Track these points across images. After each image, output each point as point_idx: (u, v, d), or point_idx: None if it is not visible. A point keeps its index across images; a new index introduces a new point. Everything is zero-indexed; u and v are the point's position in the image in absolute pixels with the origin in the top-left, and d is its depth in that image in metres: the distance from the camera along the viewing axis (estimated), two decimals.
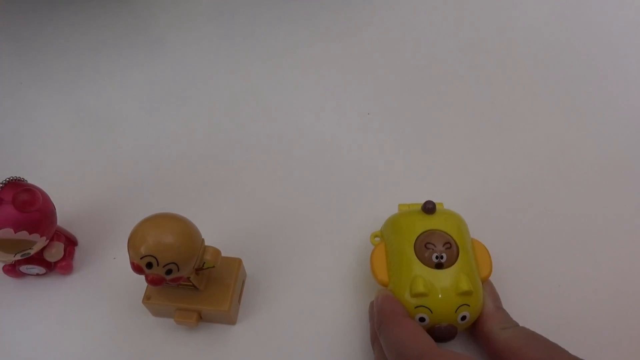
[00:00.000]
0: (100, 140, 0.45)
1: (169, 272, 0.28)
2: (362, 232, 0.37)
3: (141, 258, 0.28)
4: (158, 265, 0.28)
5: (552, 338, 0.28)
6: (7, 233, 0.31)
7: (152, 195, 0.41)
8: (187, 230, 0.29)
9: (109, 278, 0.36)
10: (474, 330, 0.31)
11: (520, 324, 0.30)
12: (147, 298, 0.33)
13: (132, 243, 0.28)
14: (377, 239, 0.34)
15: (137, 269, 0.28)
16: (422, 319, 0.29)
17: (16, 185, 0.32)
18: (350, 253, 0.37)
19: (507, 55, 0.48)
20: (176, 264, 0.28)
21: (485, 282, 0.31)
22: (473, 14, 0.53)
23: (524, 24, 0.51)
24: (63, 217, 0.35)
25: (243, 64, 0.50)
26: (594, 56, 0.49)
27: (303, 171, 0.42)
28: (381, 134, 0.44)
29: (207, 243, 0.31)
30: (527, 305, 0.33)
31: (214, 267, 0.31)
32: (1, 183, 0.32)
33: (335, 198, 0.40)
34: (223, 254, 0.34)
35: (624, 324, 0.33)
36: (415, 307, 0.29)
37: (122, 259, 0.37)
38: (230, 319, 0.33)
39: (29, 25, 0.55)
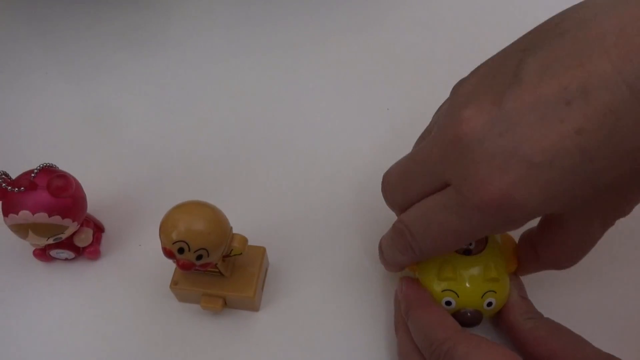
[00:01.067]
0: (123, 132, 0.46)
1: (199, 257, 0.29)
2: (386, 223, 0.38)
3: (173, 243, 0.29)
4: (189, 250, 0.29)
5: (577, 331, 0.29)
6: (42, 217, 0.32)
7: (176, 186, 0.41)
8: (216, 218, 0.30)
9: (134, 264, 0.37)
10: (498, 319, 0.32)
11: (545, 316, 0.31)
12: (174, 283, 0.34)
13: (164, 229, 0.29)
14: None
15: (169, 254, 0.29)
16: (448, 303, 0.30)
17: (50, 171, 0.33)
18: (373, 244, 0.37)
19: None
20: (206, 250, 0.29)
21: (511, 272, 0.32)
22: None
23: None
24: (90, 206, 0.36)
25: (262, 53, 0.51)
26: None
27: (327, 162, 0.42)
28: (401, 129, 0.45)
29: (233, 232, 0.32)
30: (551, 297, 0.34)
31: (241, 254, 0.31)
32: (36, 169, 0.33)
33: (360, 190, 0.41)
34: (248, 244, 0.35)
35: None
36: (442, 291, 0.30)
37: (147, 245, 0.38)
38: (254, 306, 0.34)
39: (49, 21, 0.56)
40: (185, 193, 0.32)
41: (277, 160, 0.43)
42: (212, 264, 0.31)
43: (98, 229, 0.38)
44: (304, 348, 0.34)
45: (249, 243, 0.35)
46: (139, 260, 0.38)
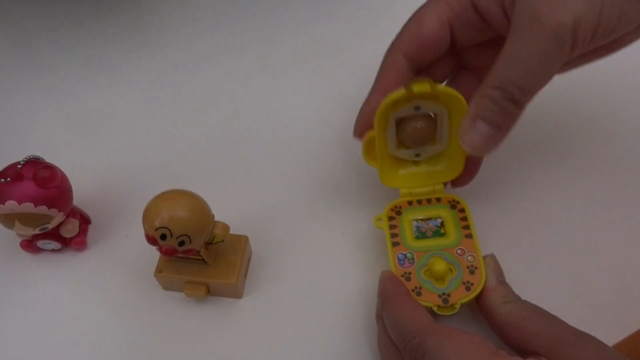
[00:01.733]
0: (109, 126, 0.46)
1: (181, 243, 0.30)
2: (366, 214, 0.39)
3: (156, 230, 0.30)
4: (172, 236, 0.30)
5: (553, 311, 0.30)
6: (28, 207, 0.33)
7: (161, 177, 0.42)
8: (198, 205, 0.31)
9: (120, 254, 0.38)
10: (478, 305, 0.33)
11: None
12: (159, 271, 0.35)
13: (147, 216, 0.30)
14: (381, 221, 0.35)
15: (151, 240, 0.30)
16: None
17: (36, 163, 0.34)
18: (355, 232, 0.39)
19: None
20: (188, 236, 0.30)
21: (489, 256, 0.33)
22: None
23: None
24: (76, 197, 0.37)
25: (246, 47, 0.52)
26: None
27: (310, 151, 0.43)
28: None
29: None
30: (527, 279, 0.35)
31: (222, 241, 0.32)
32: (22, 161, 0.34)
33: (342, 180, 0.42)
34: (231, 233, 0.36)
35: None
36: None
37: (133, 236, 0.39)
38: (236, 293, 0.35)
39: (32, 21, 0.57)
40: (170, 184, 0.33)
41: (261, 150, 0.44)
42: (194, 251, 0.32)
43: (84, 220, 0.39)
44: (287, 334, 0.35)
45: (233, 232, 0.36)
46: (125, 251, 0.38)
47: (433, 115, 0.34)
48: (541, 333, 0.28)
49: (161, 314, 0.36)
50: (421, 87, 0.31)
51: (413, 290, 0.32)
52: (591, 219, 0.38)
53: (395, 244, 0.34)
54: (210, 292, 0.35)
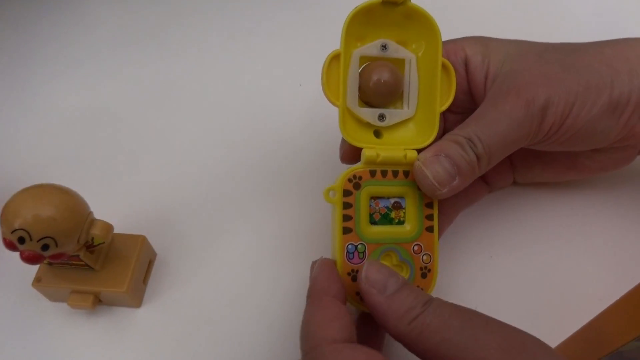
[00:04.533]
0: None
1: (45, 247, 0.25)
2: (281, 208, 0.35)
3: (12, 232, 0.25)
4: (31, 240, 0.25)
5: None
6: None
7: (42, 174, 0.37)
8: (65, 202, 0.26)
9: None
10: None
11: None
12: (37, 281, 0.30)
13: (4, 217, 0.25)
14: (333, 194, 0.27)
15: (9, 245, 0.25)
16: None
17: None
18: (266, 232, 0.34)
19: None
20: (53, 239, 0.25)
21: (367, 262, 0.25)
22: None
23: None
24: None
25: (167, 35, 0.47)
26: None
27: (219, 144, 0.39)
28: (312, 105, 0.41)
29: (116, 222, 0.28)
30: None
31: (104, 243, 0.28)
32: None
33: (253, 174, 0.37)
34: (131, 232, 0.31)
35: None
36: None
37: None
38: (132, 301, 0.31)
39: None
40: (50, 179, 0.28)
41: (164, 143, 0.39)
42: (69, 255, 0.27)
43: None
44: (189, 346, 0.30)
45: (131, 231, 0.32)
46: (1, 258, 0.33)
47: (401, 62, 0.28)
48: (469, 348, 0.22)
49: (46, 329, 0.31)
50: None
51: (357, 294, 0.26)
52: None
53: (346, 230, 0.26)
54: (102, 301, 0.31)
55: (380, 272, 0.24)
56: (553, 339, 0.29)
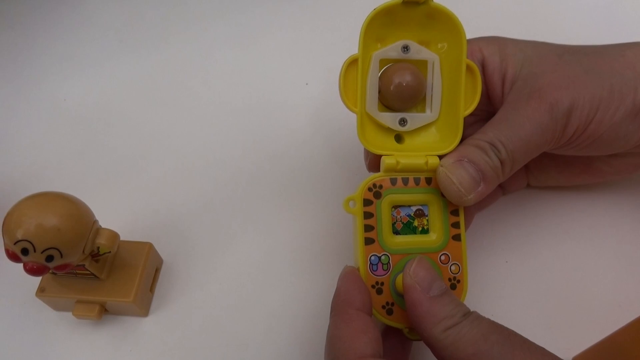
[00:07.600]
0: None
1: (49, 258, 0.24)
2: (290, 214, 0.34)
3: (15, 243, 0.24)
4: (35, 251, 0.24)
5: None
6: None
7: (47, 182, 0.36)
8: (70, 210, 0.25)
9: (1, 271, 0.32)
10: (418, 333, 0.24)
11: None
12: (40, 290, 0.29)
13: (7, 227, 0.24)
14: (353, 204, 0.26)
15: (12, 256, 0.24)
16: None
17: None
18: (274, 238, 0.33)
19: None
20: (57, 249, 0.24)
21: (411, 261, 0.24)
22: None
23: None
24: None
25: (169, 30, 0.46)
26: None
27: (225, 147, 0.38)
28: (319, 104, 0.40)
29: (121, 228, 0.28)
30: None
31: (109, 252, 0.27)
32: None
33: (260, 176, 0.36)
34: (136, 238, 0.31)
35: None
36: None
37: None
38: (139, 311, 0.30)
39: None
40: (57, 187, 0.27)
41: (169, 146, 0.38)
42: (74, 266, 0.26)
43: None
44: (198, 357, 0.29)
45: (138, 238, 0.31)
46: (5, 267, 0.32)
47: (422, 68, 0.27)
48: None
49: (50, 340, 0.30)
50: None
51: (383, 307, 0.25)
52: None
53: (368, 241, 0.25)
54: (107, 310, 0.30)
55: (428, 271, 0.24)
56: (572, 347, 0.29)
